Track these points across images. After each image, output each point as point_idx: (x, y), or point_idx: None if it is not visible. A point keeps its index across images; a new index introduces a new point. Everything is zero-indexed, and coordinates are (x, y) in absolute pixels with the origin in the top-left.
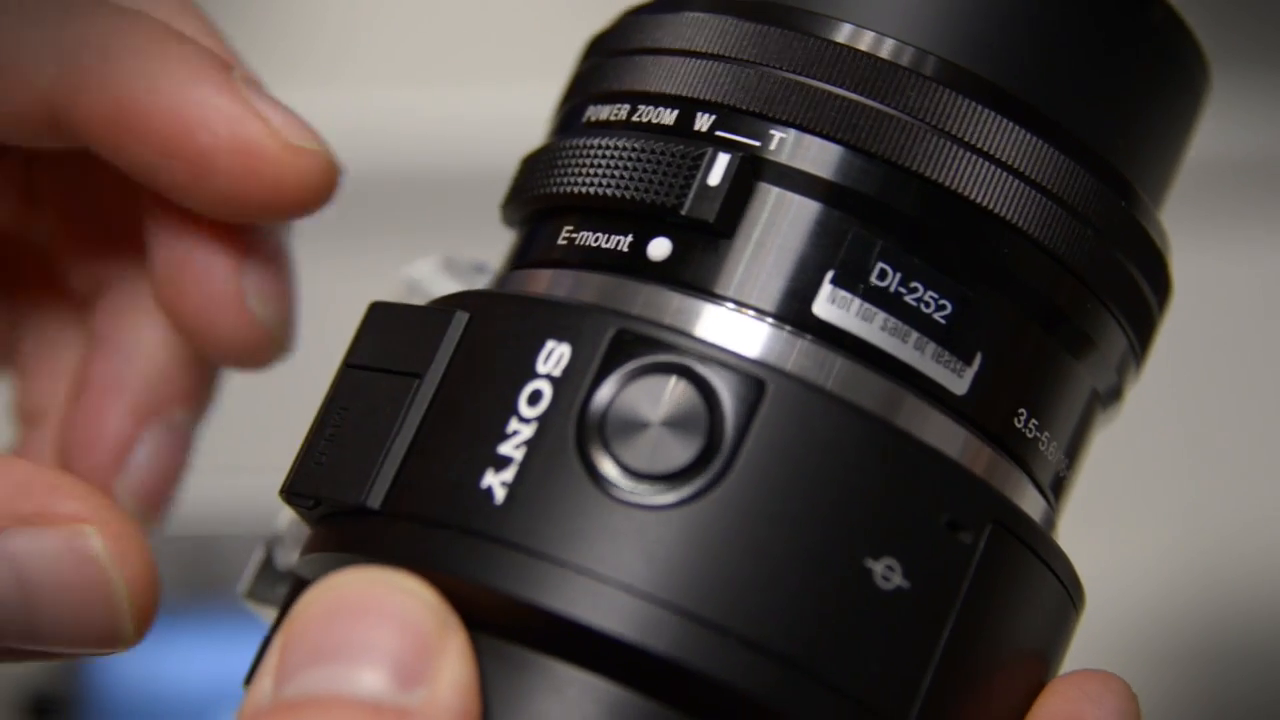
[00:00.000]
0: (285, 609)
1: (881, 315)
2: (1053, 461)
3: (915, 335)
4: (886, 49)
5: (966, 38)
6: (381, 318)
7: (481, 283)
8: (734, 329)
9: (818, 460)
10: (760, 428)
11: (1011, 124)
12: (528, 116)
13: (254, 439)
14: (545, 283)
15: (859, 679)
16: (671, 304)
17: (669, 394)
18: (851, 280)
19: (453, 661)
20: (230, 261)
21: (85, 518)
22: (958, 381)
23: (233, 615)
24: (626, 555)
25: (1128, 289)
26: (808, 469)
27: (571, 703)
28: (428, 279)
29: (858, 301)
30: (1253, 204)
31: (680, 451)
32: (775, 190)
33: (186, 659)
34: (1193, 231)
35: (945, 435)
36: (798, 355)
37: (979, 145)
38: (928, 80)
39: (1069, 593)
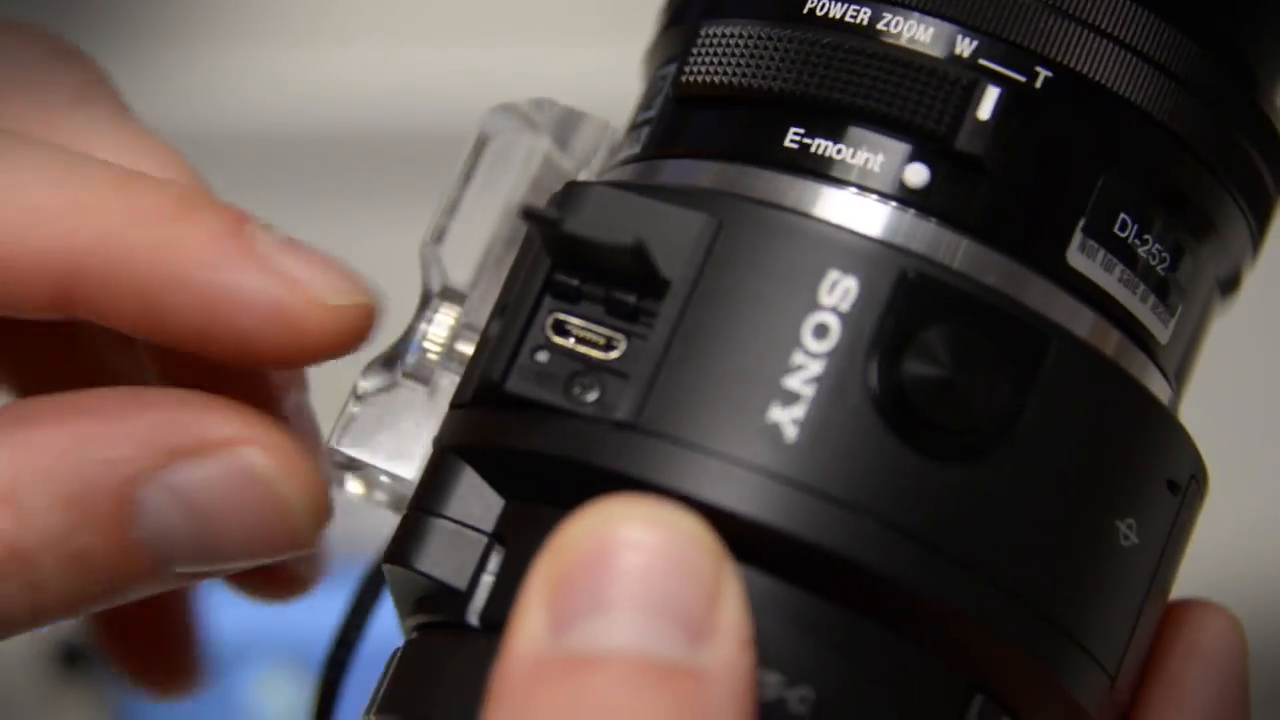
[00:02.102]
0: (512, 524)
1: (1120, 267)
2: (1185, 367)
3: (1142, 287)
4: None
5: None
6: (599, 203)
7: (543, 125)
8: (1003, 275)
9: (1091, 421)
10: (1046, 384)
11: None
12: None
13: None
14: (783, 192)
15: (1101, 640)
16: (941, 241)
17: (961, 344)
18: (1099, 230)
19: (733, 610)
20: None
21: (243, 439)
22: (1164, 331)
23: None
24: (919, 505)
25: (1253, 177)
26: (1083, 429)
27: (847, 644)
28: (498, 129)
29: (1103, 252)
30: None
31: (972, 403)
32: (1027, 125)
33: (215, 610)
34: None
35: (1162, 390)
36: (1059, 306)
37: (1127, 41)
38: None
39: (1203, 498)
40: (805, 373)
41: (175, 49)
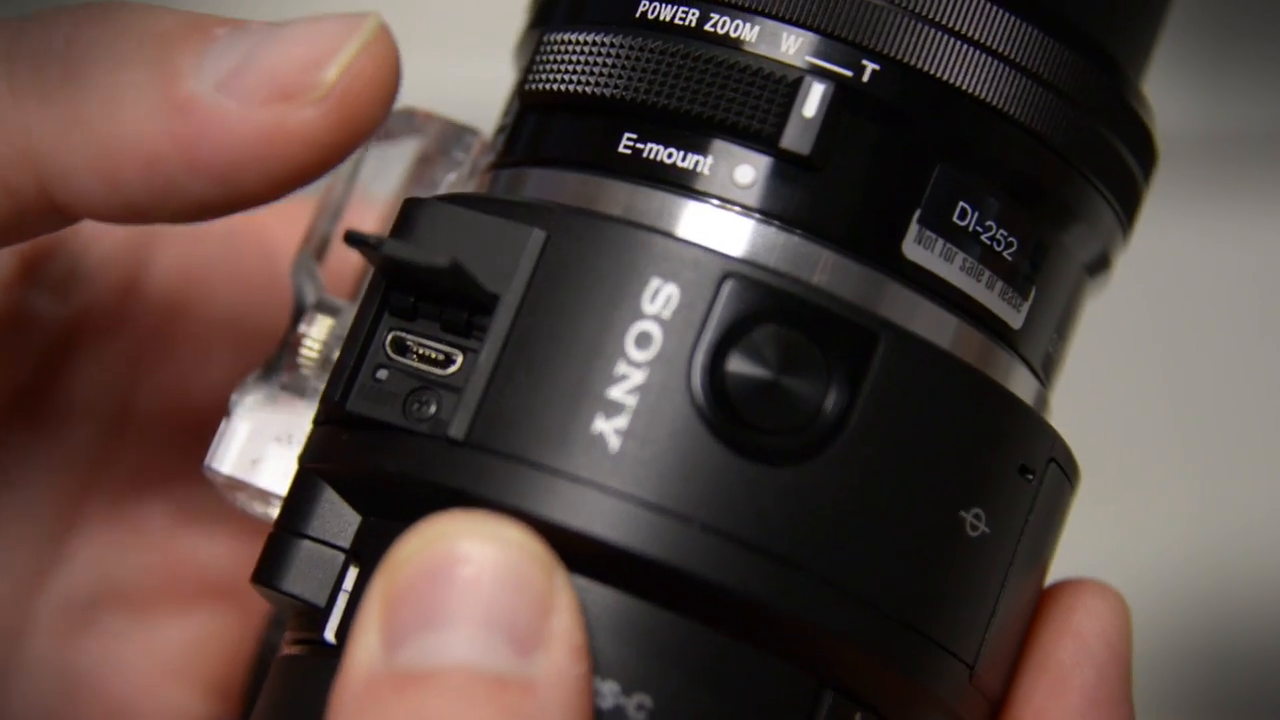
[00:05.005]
0: (366, 541)
1: (961, 255)
2: (1052, 352)
3: (988, 274)
4: None
5: None
6: (431, 220)
7: (422, 137)
8: (834, 273)
9: (927, 414)
10: (875, 380)
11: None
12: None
13: None
14: (616, 199)
15: (951, 630)
16: (767, 240)
17: (784, 345)
18: (936, 220)
19: (565, 621)
20: None
21: None
22: (1016, 317)
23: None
24: (746, 510)
25: (1113, 163)
26: (918, 423)
27: (683, 651)
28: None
29: (941, 242)
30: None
31: (797, 404)
32: (857, 120)
33: None
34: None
35: (1014, 376)
36: (894, 300)
37: (962, 31)
38: None
39: (1072, 485)
40: (629, 382)
41: None
